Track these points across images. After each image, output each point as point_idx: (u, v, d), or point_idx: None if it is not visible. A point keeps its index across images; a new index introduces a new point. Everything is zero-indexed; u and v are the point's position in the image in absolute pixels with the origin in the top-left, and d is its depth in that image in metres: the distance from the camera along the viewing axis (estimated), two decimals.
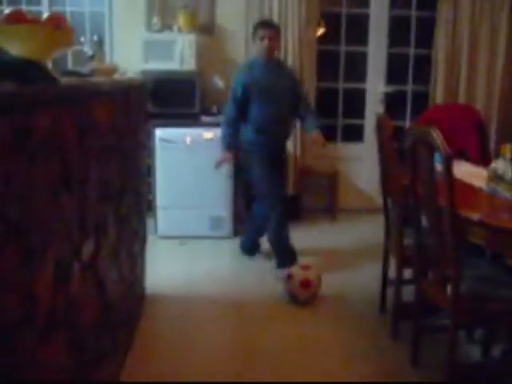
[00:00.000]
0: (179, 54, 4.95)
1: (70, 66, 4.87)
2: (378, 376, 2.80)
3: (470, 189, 2.92)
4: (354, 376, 2.80)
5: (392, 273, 3.29)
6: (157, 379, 2.74)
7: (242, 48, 5.38)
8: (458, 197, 2.40)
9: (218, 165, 4.19)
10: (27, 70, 1.43)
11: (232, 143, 4.11)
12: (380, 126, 3.19)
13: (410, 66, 5.81)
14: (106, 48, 5.32)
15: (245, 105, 4.03)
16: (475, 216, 2.34)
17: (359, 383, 2.29)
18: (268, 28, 4.06)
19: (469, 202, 2.57)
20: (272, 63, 4.15)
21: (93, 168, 2.07)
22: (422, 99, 5.74)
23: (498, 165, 2.74)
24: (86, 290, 2.01)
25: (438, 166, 2.40)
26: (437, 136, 2.28)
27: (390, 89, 5.80)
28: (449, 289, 2.48)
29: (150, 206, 4.65)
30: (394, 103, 5.87)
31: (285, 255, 4.09)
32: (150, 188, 4.69)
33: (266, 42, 3.99)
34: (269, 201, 4.10)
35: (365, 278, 4.00)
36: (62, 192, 1.65)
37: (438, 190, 2.45)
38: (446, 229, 2.42)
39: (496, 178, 2.72)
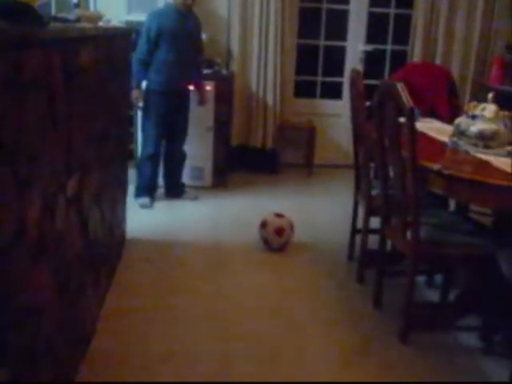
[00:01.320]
0: None
1: (53, 12, 4.89)
2: (344, 318, 3.01)
3: (434, 143, 3.09)
4: (320, 318, 3.00)
5: (360, 223, 3.48)
6: (134, 314, 2.92)
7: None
8: (421, 150, 2.57)
9: (134, 102, 4.46)
10: (19, 12, 1.54)
11: (142, 81, 4.45)
12: (353, 82, 3.33)
13: (390, 25, 5.91)
14: None
15: (154, 47, 4.36)
16: (435, 166, 2.51)
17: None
18: None
19: (431, 154, 2.74)
20: (185, 13, 4.44)
21: (78, 110, 2.20)
22: (400, 59, 5.87)
23: (462, 121, 2.91)
24: (70, 224, 2.15)
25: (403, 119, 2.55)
26: (401, 90, 2.43)
27: (370, 47, 5.92)
28: (409, 234, 2.67)
29: (132, 156, 4.77)
30: (373, 62, 5.99)
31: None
32: (132, 137, 4.80)
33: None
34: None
35: (335, 228, 4.20)
36: (49, 128, 1.79)
37: (402, 142, 2.61)
38: (408, 178, 2.59)
39: (458, 133, 2.88)
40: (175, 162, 4.76)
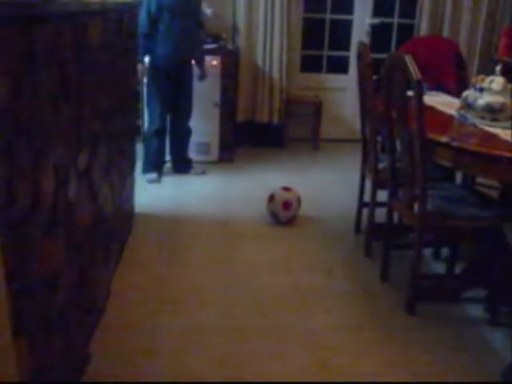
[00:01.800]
0: None
1: None
2: (351, 290, 3.04)
3: (441, 116, 3.09)
4: (326, 289, 3.04)
5: (367, 197, 3.50)
6: (144, 286, 2.97)
7: None
8: (428, 123, 2.57)
9: (141, 76, 4.46)
10: None
11: (145, 56, 4.43)
12: (360, 55, 3.33)
13: None
14: None
15: (155, 20, 4.36)
16: (443, 138, 2.52)
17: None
18: None
19: (438, 127, 2.74)
20: None
21: (88, 84, 2.21)
22: (407, 32, 5.83)
23: (469, 94, 2.91)
24: (81, 197, 2.18)
25: (411, 93, 2.56)
26: (409, 62, 2.43)
27: (377, 21, 5.88)
28: (416, 207, 2.69)
29: (139, 132, 4.78)
30: (380, 36, 5.95)
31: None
32: (139, 114, 4.81)
33: None
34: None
35: (342, 202, 4.22)
36: (61, 101, 1.81)
37: (409, 115, 2.62)
38: (415, 151, 2.60)
39: (466, 105, 2.88)
40: (180, 137, 4.77)
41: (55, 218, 1.80)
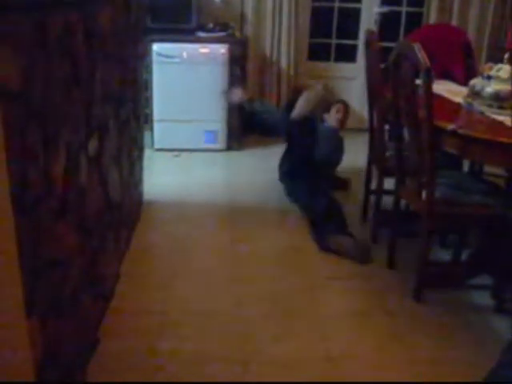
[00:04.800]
0: None
1: None
2: (357, 277, 3.07)
3: (448, 104, 3.09)
4: (333, 277, 3.07)
5: (374, 184, 3.51)
6: (154, 275, 3.00)
7: None
8: (436, 111, 2.58)
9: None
10: None
11: None
12: (368, 43, 3.33)
13: None
14: None
15: None
16: (450, 126, 2.52)
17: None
18: None
19: (446, 115, 2.74)
20: None
21: (97, 71, 2.24)
22: (416, 20, 5.81)
23: (477, 82, 2.91)
24: (91, 183, 2.21)
25: (419, 81, 2.56)
26: (417, 50, 2.44)
27: (385, 9, 5.85)
28: (424, 194, 2.70)
29: (147, 120, 4.80)
30: (388, 24, 5.93)
31: None
32: (147, 102, 4.83)
33: None
34: None
35: (350, 190, 4.23)
36: (72, 87, 1.83)
37: (417, 103, 2.63)
38: (423, 139, 2.61)
39: (473, 93, 2.89)
40: None
41: (66, 202, 1.83)
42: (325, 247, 3.29)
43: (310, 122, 3.97)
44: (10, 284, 1.35)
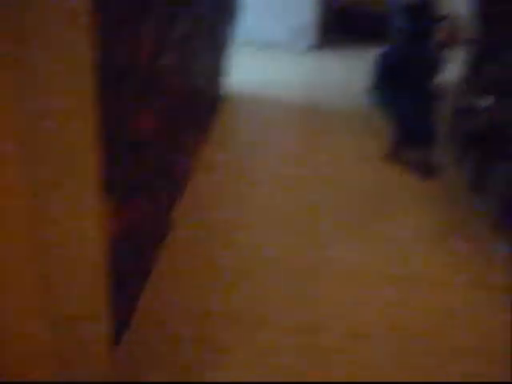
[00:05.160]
0: None
1: None
2: (438, 198, 2.92)
3: None
4: (413, 194, 2.94)
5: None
6: (223, 170, 2.96)
7: None
8: None
9: None
10: None
11: None
12: None
13: None
14: None
15: None
16: None
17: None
18: None
19: None
20: None
21: None
22: None
23: None
24: (174, 67, 2.14)
25: None
26: None
27: None
28: None
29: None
30: None
31: None
32: None
33: None
34: None
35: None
36: None
37: None
38: None
39: None
40: None
41: (150, 84, 1.78)
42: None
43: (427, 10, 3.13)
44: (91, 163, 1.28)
